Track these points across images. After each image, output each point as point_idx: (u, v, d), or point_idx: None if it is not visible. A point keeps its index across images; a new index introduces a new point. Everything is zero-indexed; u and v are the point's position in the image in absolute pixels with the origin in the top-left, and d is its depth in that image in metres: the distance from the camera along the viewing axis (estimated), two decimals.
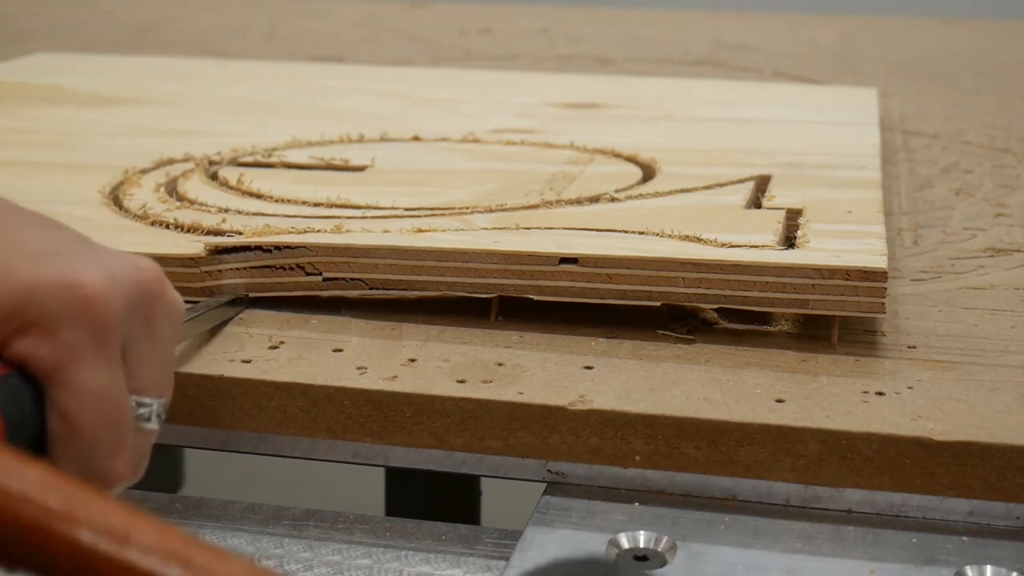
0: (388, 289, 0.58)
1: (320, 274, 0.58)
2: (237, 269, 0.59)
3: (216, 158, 0.76)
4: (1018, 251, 0.69)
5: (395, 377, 0.52)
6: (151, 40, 1.33)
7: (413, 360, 0.54)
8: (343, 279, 0.58)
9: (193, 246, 0.60)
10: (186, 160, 0.75)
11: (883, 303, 0.55)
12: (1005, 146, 0.92)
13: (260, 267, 0.59)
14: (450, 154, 0.78)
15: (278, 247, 0.58)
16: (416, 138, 0.81)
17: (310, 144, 0.80)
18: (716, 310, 0.58)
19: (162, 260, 0.59)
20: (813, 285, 0.55)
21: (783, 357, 0.55)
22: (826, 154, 0.78)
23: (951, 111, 1.03)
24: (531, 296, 0.57)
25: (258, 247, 0.59)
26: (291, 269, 0.59)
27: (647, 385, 0.52)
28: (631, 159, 0.76)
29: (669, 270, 0.56)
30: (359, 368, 0.53)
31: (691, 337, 0.56)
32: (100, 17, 1.47)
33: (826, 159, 0.76)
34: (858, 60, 1.26)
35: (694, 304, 0.57)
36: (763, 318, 0.58)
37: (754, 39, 1.36)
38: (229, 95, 0.96)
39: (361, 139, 0.81)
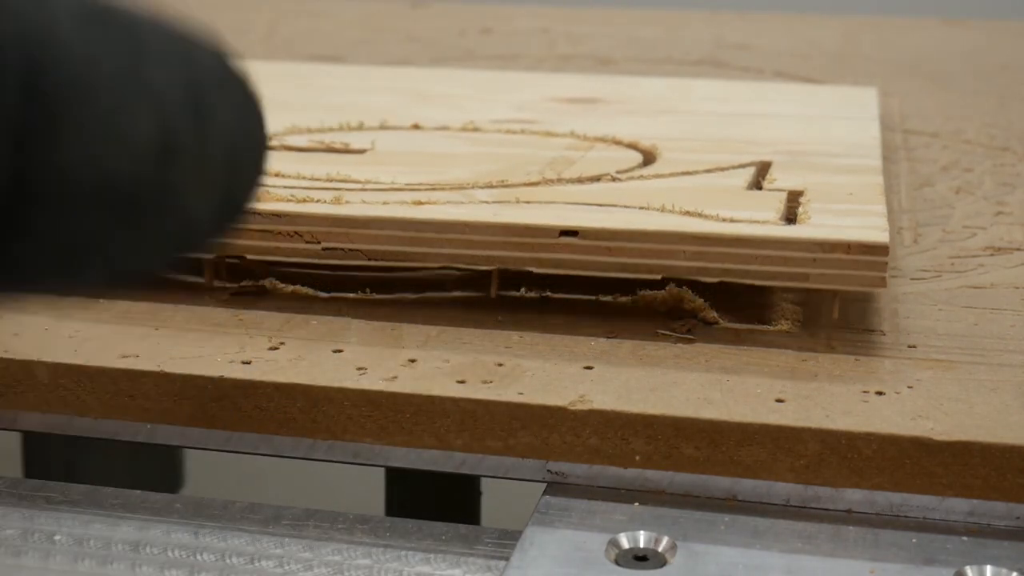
0: (387, 261, 0.58)
1: (319, 243, 0.58)
2: (236, 230, 0.59)
3: None
4: (1018, 250, 0.69)
5: (395, 377, 0.52)
6: None
7: (413, 360, 0.54)
8: (342, 249, 0.58)
9: None
10: None
11: (884, 277, 0.55)
12: (1005, 145, 0.92)
13: (258, 231, 0.59)
14: (450, 141, 0.78)
15: (277, 214, 0.58)
16: (416, 126, 0.82)
17: (309, 131, 0.80)
18: (716, 310, 0.58)
19: None
20: (814, 259, 0.55)
21: (783, 357, 0.55)
22: (827, 143, 0.78)
23: (951, 111, 1.03)
24: (531, 269, 0.57)
25: (256, 213, 0.59)
26: (290, 236, 0.59)
27: (647, 385, 0.52)
28: (632, 146, 0.76)
29: (670, 243, 0.56)
30: (359, 368, 0.53)
31: (691, 337, 0.57)
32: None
33: (827, 148, 0.76)
34: (858, 60, 1.26)
35: (695, 277, 0.56)
36: (763, 318, 0.58)
37: (754, 39, 1.36)
38: None
39: (361, 127, 0.81)
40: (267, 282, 0.61)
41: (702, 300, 0.58)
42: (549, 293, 0.61)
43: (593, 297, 0.60)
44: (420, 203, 0.60)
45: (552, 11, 1.51)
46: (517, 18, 1.48)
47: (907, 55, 1.29)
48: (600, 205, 0.61)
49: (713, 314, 0.58)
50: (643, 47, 1.32)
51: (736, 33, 1.39)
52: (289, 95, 0.95)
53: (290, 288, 0.61)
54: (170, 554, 0.48)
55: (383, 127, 0.82)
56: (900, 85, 1.13)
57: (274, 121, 0.81)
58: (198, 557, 0.48)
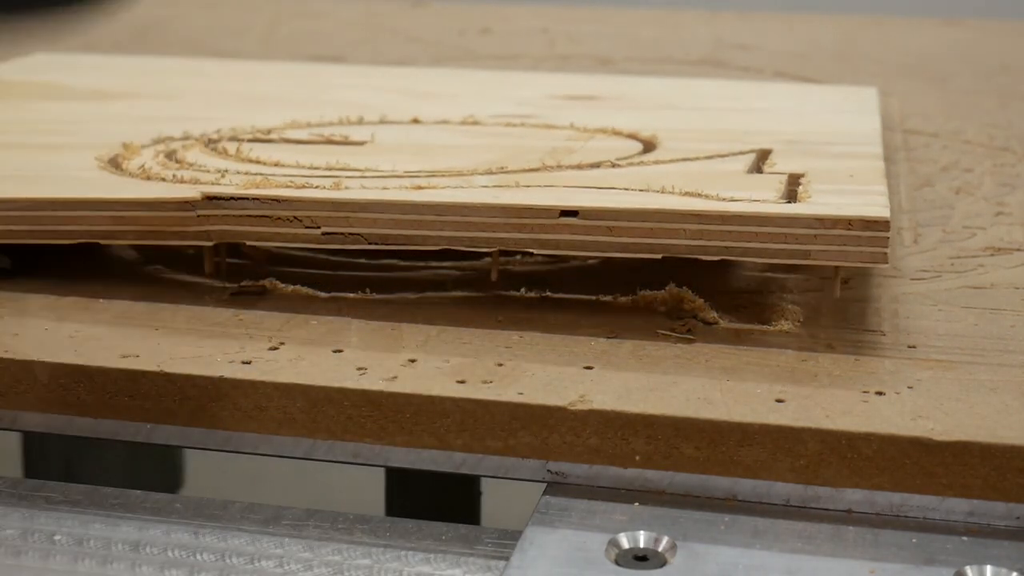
0: (387, 244, 0.58)
1: (319, 228, 0.58)
2: (235, 216, 0.59)
3: (215, 135, 0.76)
4: (1018, 250, 0.69)
5: (395, 377, 0.52)
6: (151, 40, 1.33)
7: (413, 360, 0.54)
8: (342, 233, 0.58)
9: (190, 192, 0.60)
10: (185, 138, 0.75)
11: (885, 253, 0.55)
12: (1005, 145, 0.92)
13: (258, 216, 0.59)
14: (450, 133, 0.78)
15: (276, 200, 0.58)
16: (415, 120, 0.82)
17: (309, 125, 0.80)
18: (716, 310, 0.58)
19: (158, 204, 0.60)
20: (815, 235, 0.55)
21: (783, 357, 0.55)
22: (827, 134, 0.78)
23: (951, 110, 1.03)
24: (531, 250, 0.57)
25: (255, 198, 0.59)
26: (289, 221, 0.59)
27: (647, 385, 0.52)
28: (632, 136, 0.76)
29: (671, 222, 0.56)
30: (359, 369, 0.53)
31: (691, 337, 0.57)
32: (100, 17, 1.47)
33: (827, 138, 0.76)
34: (858, 60, 1.26)
35: (696, 256, 0.56)
36: (763, 318, 0.58)
37: (754, 39, 1.36)
38: (229, 90, 0.96)
39: (360, 121, 0.81)
40: (267, 282, 0.61)
41: (702, 300, 0.58)
42: (549, 293, 0.61)
43: (593, 297, 0.60)
44: (420, 188, 0.60)
45: (552, 11, 1.51)
46: (517, 18, 1.48)
47: (907, 55, 1.29)
48: (600, 188, 0.61)
49: (713, 314, 0.58)
50: (643, 47, 1.32)
51: (736, 33, 1.39)
52: (289, 92, 0.95)
53: (290, 288, 0.61)
54: (170, 554, 0.48)
55: (383, 121, 0.82)
56: (900, 85, 1.13)
57: (274, 116, 0.82)
58: (198, 557, 0.48)
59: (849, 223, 0.55)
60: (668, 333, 0.57)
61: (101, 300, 0.60)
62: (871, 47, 1.33)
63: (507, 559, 0.46)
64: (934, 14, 1.55)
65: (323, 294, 0.61)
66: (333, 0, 1.60)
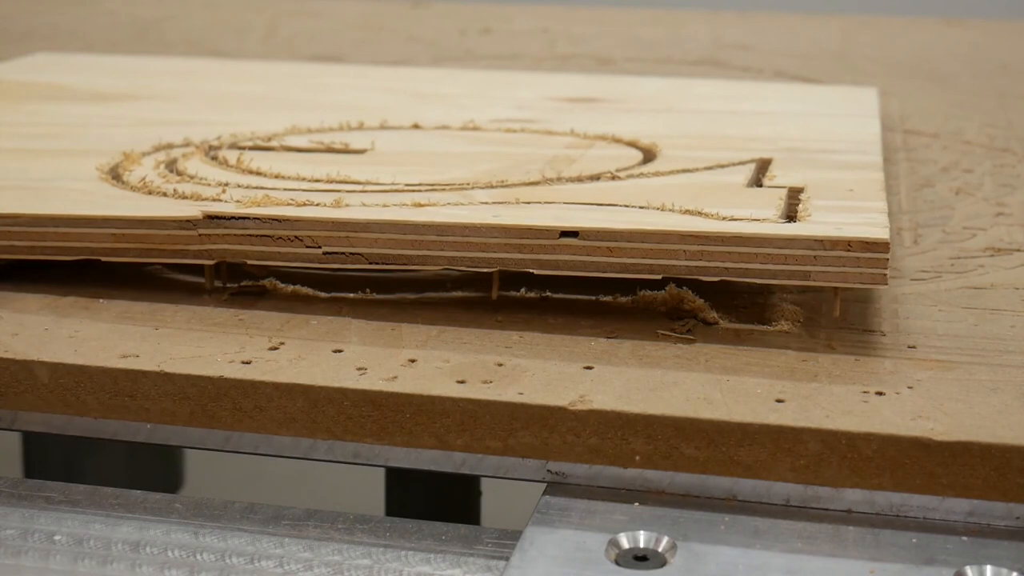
0: (388, 263, 0.58)
1: (319, 247, 0.58)
2: (236, 235, 0.59)
3: (215, 143, 0.76)
4: (1018, 251, 0.69)
5: (395, 377, 0.52)
6: (151, 40, 1.33)
7: (413, 360, 0.54)
8: (343, 253, 0.58)
9: (191, 210, 0.60)
10: (185, 145, 0.75)
11: (885, 274, 0.55)
12: (1005, 145, 0.92)
13: (259, 235, 0.59)
14: (450, 140, 0.78)
15: (277, 219, 0.58)
16: (416, 126, 0.82)
17: (310, 131, 0.80)
18: (716, 310, 0.58)
19: (159, 223, 0.60)
20: (815, 256, 0.55)
21: (783, 357, 0.55)
22: (827, 140, 0.78)
23: (951, 111, 1.03)
24: (531, 270, 0.57)
25: (256, 218, 0.59)
26: (290, 240, 0.59)
27: (647, 385, 0.52)
28: (632, 144, 0.77)
29: (670, 243, 0.56)
30: (359, 369, 0.53)
31: (691, 337, 0.57)
32: (100, 17, 1.47)
33: (827, 145, 0.77)
34: (858, 60, 1.26)
35: (695, 277, 0.56)
36: (763, 318, 0.58)
37: (754, 39, 1.36)
38: (229, 91, 0.96)
39: (361, 127, 0.81)
40: (267, 282, 0.61)
41: (702, 300, 0.58)
42: (549, 293, 0.61)
43: (593, 297, 0.60)
44: (420, 205, 0.60)
45: (552, 11, 1.51)
46: (517, 18, 1.48)
47: (907, 55, 1.29)
48: (600, 204, 0.61)
49: (713, 314, 0.58)
50: (643, 47, 1.32)
51: (736, 33, 1.39)
52: (289, 95, 0.95)
53: (290, 288, 0.61)
54: (170, 554, 0.48)
55: (383, 127, 0.82)
56: (900, 85, 1.13)
57: (274, 118, 0.82)
58: (198, 557, 0.48)
59: (849, 245, 0.55)
60: (668, 333, 0.57)
61: (101, 300, 0.60)
62: (871, 47, 1.33)
63: (507, 559, 0.46)
64: (934, 14, 1.55)
65: (323, 294, 0.61)
66: (333, 0, 1.60)
